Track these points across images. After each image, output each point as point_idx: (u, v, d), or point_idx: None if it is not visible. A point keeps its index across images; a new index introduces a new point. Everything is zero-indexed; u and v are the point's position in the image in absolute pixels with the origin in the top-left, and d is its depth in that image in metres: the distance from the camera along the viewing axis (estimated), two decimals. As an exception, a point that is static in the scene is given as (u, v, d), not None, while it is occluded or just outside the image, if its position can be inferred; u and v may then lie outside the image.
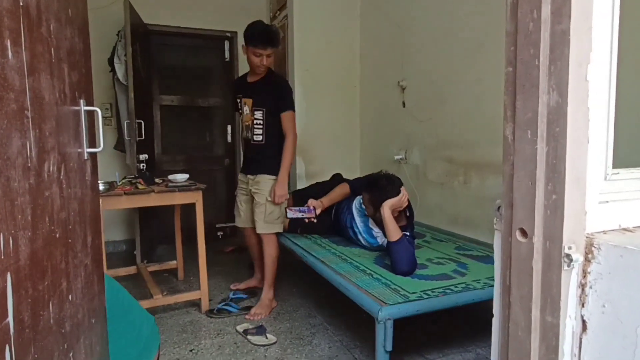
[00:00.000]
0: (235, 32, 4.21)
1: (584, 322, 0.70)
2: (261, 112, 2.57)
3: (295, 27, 3.58)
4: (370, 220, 2.44)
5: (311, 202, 2.65)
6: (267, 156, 2.60)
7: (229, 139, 4.44)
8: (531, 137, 0.70)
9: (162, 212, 3.66)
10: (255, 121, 2.59)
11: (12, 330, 0.72)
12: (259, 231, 2.63)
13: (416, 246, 2.42)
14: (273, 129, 2.57)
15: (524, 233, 0.73)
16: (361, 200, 2.51)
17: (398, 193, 2.22)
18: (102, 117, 4.02)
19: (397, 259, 2.00)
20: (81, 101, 1.26)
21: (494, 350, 0.87)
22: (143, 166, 3.31)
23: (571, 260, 0.67)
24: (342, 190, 2.72)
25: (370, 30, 3.66)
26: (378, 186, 2.27)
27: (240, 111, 2.68)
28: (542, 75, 0.68)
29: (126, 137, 3.39)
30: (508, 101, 0.75)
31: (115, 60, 3.42)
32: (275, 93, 2.54)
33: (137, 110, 3.22)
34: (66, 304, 1.06)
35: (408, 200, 2.28)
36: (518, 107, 0.72)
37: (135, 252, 3.41)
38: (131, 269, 3.13)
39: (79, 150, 1.23)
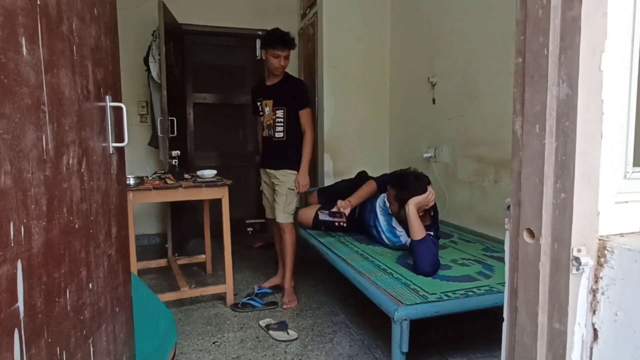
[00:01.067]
0: (266, 31, 4.24)
1: (595, 330, 0.65)
2: (282, 110, 2.73)
3: (325, 24, 3.57)
4: (394, 219, 2.39)
5: (340, 204, 2.62)
6: (288, 152, 2.74)
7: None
8: (539, 132, 0.66)
9: (194, 207, 3.76)
10: (277, 120, 2.74)
11: (22, 314, 0.75)
12: (278, 220, 2.76)
13: (441, 246, 2.35)
14: (293, 127, 2.73)
15: (531, 234, 0.69)
16: (385, 199, 2.47)
17: (425, 191, 2.17)
18: (139, 114, 4.15)
19: (419, 259, 1.95)
20: (107, 97, 1.30)
21: (502, 357, 0.84)
22: (175, 162, 3.40)
23: (580, 263, 0.62)
24: (369, 188, 2.68)
25: (400, 26, 3.60)
26: (405, 183, 2.23)
27: (261, 113, 2.83)
28: (551, 65, 0.64)
29: (159, 134, 3.50)
30: (517, 94, 0.71)
31: (150, 59, 3.53)
32: (293, 92, 2.72)
33: (169, 108, 3.31)
34: (85, 292, 1.11)
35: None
36: (526, 99, 0.68)
37: (166, 246, 3.51)
38: (162, 262, 3.23)
39: (104, 144, 1.28)
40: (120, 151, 1.41)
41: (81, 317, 1.06)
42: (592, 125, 0.62)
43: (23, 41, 0.78)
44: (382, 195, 2.53)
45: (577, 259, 0.63)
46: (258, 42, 4.34)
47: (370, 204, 2.61)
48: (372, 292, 1.70)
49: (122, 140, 1.37)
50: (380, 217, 2.48)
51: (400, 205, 2.24)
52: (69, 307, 0.98)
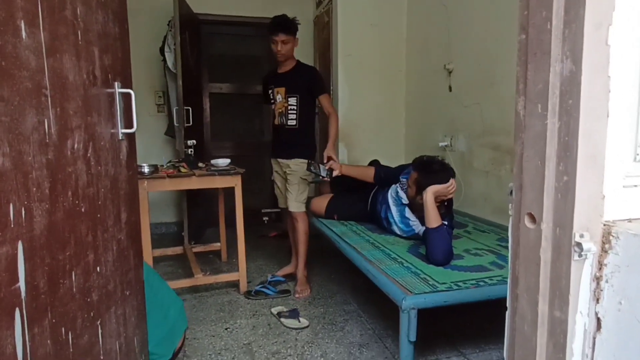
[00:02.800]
0: (280, 19, 4.22)
1: (598, 319, 0.63)
2: (295, 98, 2.71)
3: (340, 11, 3.52)
4: (407, 209, 2.35)
5: (333, 164, 2.60)
6: (301, 141, 2.74)
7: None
8: (541, 112, 0.63)
9: (210, 195, 3.80)
10: (289, 107, 2.72)
11: (23, 294, 0.77)
12: (290, 209, 2.76)
13: (455, 236, 2.31)
14: (305, 114, 2.72)
15: (532, 219, 0.66)
16: (397, 189, 2.44)
17: (447, 181, 2.13)
18: (156, 104, 4.19)
19: (433, 247, 1.92)
20: (116, 83, 1.31)
21: (505, 346, 0.81)
22: (191, 151, 3.44)
23: (582, 249, 0.59)
24: (366, 170, 2.68)
25: (416, 12, 3.52)
26: (430, 169, 2.18)
27: (273, 101, 2.81)
28: (554, 40, 0.60)
29: (175, 124, 3.53)
30: (520, 73, 0.68)
31: (166, 49, 3.56)
32: (307, 80, 2.69)
33: (185, 98, 3.33)
34: (93, 275, 1.13)
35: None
36: (529, 78, 0.65)
37: (183, 234, 3.56)
38: (178, 249, 3.28)
39: (113, 130, 1.29)
40: (130, 137, 1.43)
41: (88, 299, 1.08)
42: (597, 103, 0.59)
43: (22, 24, 0.78)
44: (395, 185, 2.49)
45: (579, 244, 0.60)
46: (274, 31, 4.32)
47: (381, 196, 2.58)
48: (380, 281, 1.69)
49: (131, 127, 1.38)
50: (393, 208, 2.45)
51: (417, 191, 2.20)
52: (74, 289, 0.99)
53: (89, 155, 1.09)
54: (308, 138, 2.75)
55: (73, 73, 1.01)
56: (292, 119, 2.72)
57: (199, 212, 3.89)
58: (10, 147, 0.74)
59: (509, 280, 0.77)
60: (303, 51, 4.29)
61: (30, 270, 0.80)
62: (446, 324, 2.22)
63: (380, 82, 3.70)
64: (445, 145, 3.09)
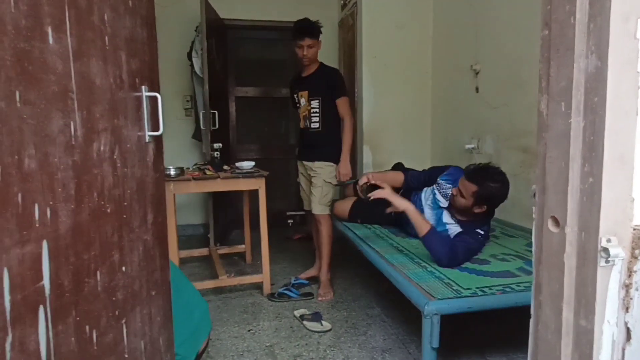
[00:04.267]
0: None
1: (627, 329, 0.59)
2: (317, 100, 2.73)
3: (364, 12, 3.51)
4: (445, 214, 2.26)
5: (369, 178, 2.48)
6: (324, 143, 2.74)
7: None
8: (565, 110, 0.60)
9: (236, 198, 3.85)
10: (312, 110, 2.75)
11: (47, 292, 0.80)
12: (314, 212, 2.77)
13: (482, 241, 2.25)
14: (329, 117, 2.73)
15: (556, 222, 0.63)
16: (435, 192, 2.35)
17: (505, 198, 2.09)
18: (184, 108, 4.29)
19: (433, 254, 1.90)
20: (143, 87, 1.35)
21: (529, 354, 0.78)
22: (217, 154, 3.49)
23: (609, 255, 0.56)
24: (395, 176, 2.61)
25: (443, 12, 3.46)
26: (493, 191, 2.03)
27: (298, 105, 2.85)
28: (578, 35, 0.58)
29: (202, 127, 3.60)
30: (543, 70, 0.65)
31: (193, 54, 3.64)
32: (328, 82, 2.70)
33: (211, 102, 3.40)
34: (118, 275, 1.15)
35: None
36: (552, 75, 0.62)
37: (208, 235, 3.62)
38: (204, 251, 3.34)
39: (139, 133, 1.32)
40: (157, 140, 1.46)
41: (113, 299, 1.10)
42: (624, 100, 0.55)
43: (49, 30, 0.81)
44: (430, 188, 2.42)
45: (605, 249, 0.57)
46: (299, 35, 4.35)
47: (411, 199, 2.52)
48: (403, 285, 1.66)
49: (157, 129, 1.41)
50: (427, 211, 2.35)
51: (475, 204, 2.07)
52: (99, 288, 1.02)
53: (115, 157, 1.12)
54: (332, 140, 2.75)
55: (100, 77, 1.04)
56: (315, 122, 2.74)
57: (225, 215, 3.95)
58: (36, 149, 0.77)
59: (533, 286, 0.74)
60: (328, 54, 4.30)
61: (55, 269, 0.82)
62: (473, 330, 2.16)
63: (405, 83, 3.66)
64: (472, 148, 3.02)
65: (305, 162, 2.84)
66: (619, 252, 0.56)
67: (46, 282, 0.79)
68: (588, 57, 0.57)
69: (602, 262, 0.57)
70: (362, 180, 2.47)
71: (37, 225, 0.76)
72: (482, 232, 2.03)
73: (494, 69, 2.79)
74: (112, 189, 1.09)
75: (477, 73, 2.95)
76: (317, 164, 2.74)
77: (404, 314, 2.37)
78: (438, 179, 2.38)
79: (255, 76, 4.44)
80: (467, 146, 3.04)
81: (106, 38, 1.07)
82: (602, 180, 0.56)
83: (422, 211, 2.38)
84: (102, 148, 1.04)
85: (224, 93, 4.12)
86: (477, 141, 2.99)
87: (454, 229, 2.16)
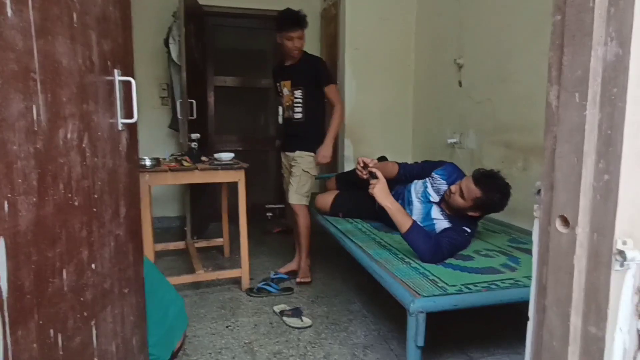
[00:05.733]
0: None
1: None
2: (300, 90, 2.68)
3: (347, 3, 3.44)
4: (434, 209, 2.21)
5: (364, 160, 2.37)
6: (307, 134, 2.70)
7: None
8: (579, 101, 0.56)
9: (214, 190, 3.75)
10: (295, 100, 2.70)
11: (4, 295, 0.71)
12: (290, 201, 2.75)
13: (464, 236, 2.24)
14: (312, 107, 2.69)
15: (565, 222, 0.59)
16: (427, 186, 2.30)
17: (503, 207, 2.07)
18: (160, 97, 4.13)
19: (416, 250, 1.88)
20: (115, 71, 1.25)
21: (527, 359, 0.74)
22: (195, 145, 3.38)
23: (624, 258, 0.53)
24: (390, 167, 2.53)
25: (427, 5, 3.43)
26: (495, 202, 1.99)
27: (280, 94, 2.80)
28: (597, 20, 0.53)
29: (179, 117, 3.48)
30: (554, 58, 0.61)
31: (170, 40, 3.50)
32: (312, 71, 2.65)
33: (189, 90, 3.28)
34: (87, 273, 1.07)
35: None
36: (565, 63, 0.58)
37: (185, 228, 3.51)
38: (180, 244, 3.24)
39: (112, 120, 1.23)
40: (131, 128, 1.36)
41: (81, 299, 1.02)
42: (647, 92, 0.51)
43: (7, 1, 0.72)
44: (421, 181, 2.36)
45: (621, 252, 0.53)
46: (280, 24, 4.24)
47: (399, 192, 2.48)
48: (387, 282, 1.62)
49: (131, 117, 1.32)
50: (416, 205, 2.31)
51: (473, 208, 2.03)
52: (65, 288, 0.94)
53: (84, 145, 1.03)
54: (314, 131, 2.71)
55: (67, 57, 0.94)
56: (298, 112, 2.69)
57: (202, 207, 3.84)
58: (-9, 134, 0.68)
59: (532, 289, 0.71)
60: (310, 45, 4.20)
61: (14, 268, 0.74)
62: (455, 326, 2.15)
63: (388, 76, 3.62)
64: (454, 142, 3.01)
65: (287, 153, 2.80)
66: (636, 255, 0.53)
67: (3, 283, 0.71)
68: (607, 44, 0.53)
69: (616, 266, 0.54)
70: (364, 162, 2.38)
71: (-8, 220, 0.68)
72: (468, 230, 2.01)
73: (478, 63, 2.78)
74: (80, 180, 1.01)
75: (460, 67, 2.93)
76: (298, 153, 2.71)
77: (385, 309, 2.35)
78: (433, 173, 2.34)
79: (234, 65, 4.32)
80: (449, 140, 3.03)
81: (74, 15, 0.98)
82: (619, 177, 0.52)
83: (410, 203, 2.35)
84: (69, 135, 0.95)
85: (202, 82, 3.99)
86: (459, 136, 2.98)
87: (441, 224, 2.14)
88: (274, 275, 2.79)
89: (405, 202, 2.38)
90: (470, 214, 2.06)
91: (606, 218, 0.54)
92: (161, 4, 3.75)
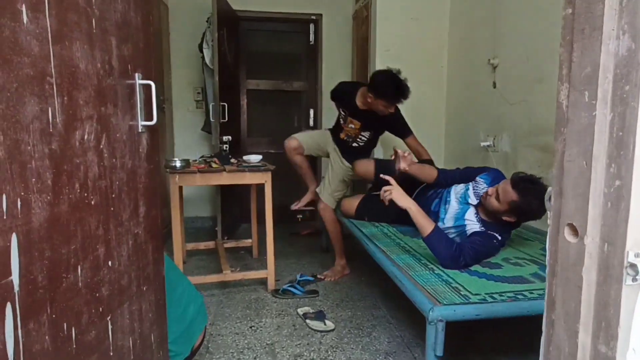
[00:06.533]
0: (320, 15, 4.15)
1: (656, 359, 0.50)
2: (368, 132, 2.86)
3: (379, 4, 3.40)
4: (472, 211, 2.13)
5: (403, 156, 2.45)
6: (361, 153, 2.93)
7: (311, 122, 4.44)
8: (589, 101, 0.52)
9: (244, 191, 3.80)
10: (360, 137, 2.89)
11: (16, 288, 0.74)
12: (320, 196, 2.96)
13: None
14: (372, 140, 2.94)
15: (574, 231, 0.55)
16: (469, 189, 2.23)
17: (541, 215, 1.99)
18: (195, 100, 4.26)
19: (437, 256, 1.84)
20: (136, 75, 1.29)
21: (538, 377, 0.70)
22: (226, 147, 3.44)
23: (637, 272, 0.48)
24: (429, 170, 2.45)
25: (460, 4, 3.33)
26: (532, 208, 1.90)
27: (342, 121, 2.90)
28: (608, 12, 0.49)
29: (211, 119, 3.56)
30: (564, 55, 0.56)
31: (204, 45, 3.59)
32: (389, 123, 2.80)
33: (221, 94, 3.35)
34: (104, 270, 1.10)
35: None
36: (574, 60, 0.53)
37: (216, 229, 3.59)
38: (210, 244, 3.31)
39: (132, 122, 1.26)
40: (152, 130, 1.40)
41: (97, 294, 1.05)
42: (662, 89, 0.47)
43: (23, 9, 0.76)
44: (463, 184, 2.29)
45: (633, 265, 0.48)
46: (312, 27, 4.26)
47: (433, 193, 2.41)
48: (407, 288, 1.57)
49: (151, 119, 1.35)
50: (453, 204, 2.24)
51: (508, 212, 1.95)
52: (80, 284, 0.97)
53: (101, 146, 1.06)
54: (366, 154, 2.97)
55: (85, 62, 0.98)
56: (359, 143, 2.90)
57: (233, 208, 3.90)
58: (4, 135, 0.71)
59: (545, 302, 0.66)
60: (341, 48, 4.22)
61: (26, 263, 0.77)
62: (481, 337, 2.07)
63: (419, 78, 3.52)
64: (488, 146, 2.90)
65: (338, 151, 2.98)
66: (649, 269, 0.48)
67: (15, 277, 0.74)
68: (619, 38, 0.48)
69: (628, 280, 0.49)
70: (401, 164, 2.41)
71: (5, 217, 0.71)
72: (499, 238, 1.93)
73: (512, 63, 2.67)
74: (97, 180, 1.04)
75: (495, 67, 2.82)
76: (346, 163, 2.90)
77: (411, 315, 2.29)
78: (477, 177, 2.26)
79: (266, 69, 4.37)
80: (483, 144, 2.93)
81: (93, 21, 1.01)
82: (631, 183, 0.48)
83: (447, 202, 2.27)
84: (86, 136, 0.98)
85: (235, 85, 4.07)
86: (493, 139, 2.87)
87: (472, 226, 2.07)
88: (300, 277, 2.79)
89: (442, 200, 2.31)
90: (505, 218, 1.97)
91: (617, 227, 0.50)
92: (196, 11, 3.87)
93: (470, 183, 2.26)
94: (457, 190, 2.29)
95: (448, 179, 2.39)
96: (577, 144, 0.53)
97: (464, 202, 2.21)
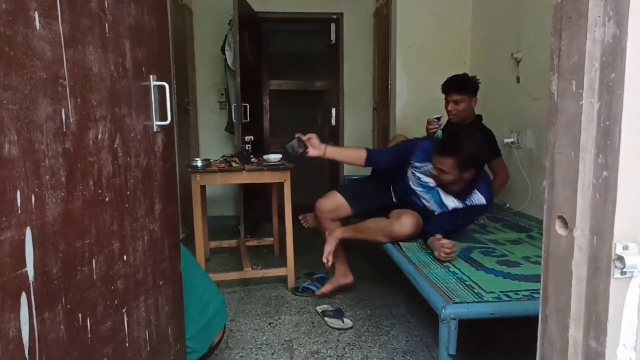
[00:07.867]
0: (341, 14, 4.15)
1: (648, 356, 0.49)
2: None
3: (399, 1, 3.37)
4: (440, 192, 2.15)
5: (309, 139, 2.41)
6: None
7: (333, 122, 4.45)
8: (576, 90, 0.50)
9: (268, 190, 3.85)
10: None
11: (31, 279, 0.79)
12: None
13: (515, 241, 2.11)
14: None
15: (564, 223, 0.54)
16: (418, 176, 2.21)
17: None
18: (218, 101, 4.34)
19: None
20: (151, 76, 1.33)
21: (537, 374, 0.68)
22: (248, 147, 3.49)
23: (624, 265, 0.46)
24: (354, 152, 2.43)
25: (483, -2, 3.27)
26: (472, 153, 1.91)
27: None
28: (593, -1, 0.48)
29: (233, 120, 3.62)
30: (554, 44, 0.55)
31: (226, 47, 3.66)
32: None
33: (244, 95, 3.40)
34: (119, 263, 1.15)
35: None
36: (562, 49, 0.52)
37: (239, 227, 3.65)
38: (233, 242, 3.37)
39: (147, 122, 1.31)
40: (167, 130, 1.44)
41: (112, 287, 1.10)
42: (649, 76, 0.45)
43: (36, 15, 0.80)
44: (408, 172, 2.26)
45: (620, 258, 0.47)
46: (333, 27, 4.26)
47: (403, 185, 2.34)
48: (421, 285, 1.56)
49: (165, 119, 1.39)
50: (424, 196, 2.23)
51: (461, 172, 1.94)
52: (95, 276, 1.01)
53: (115, 146, 1.10)
54: None
55: (98, 65, 1.02)
56: None
57: (256, 207, 3.96)
58: (19, 135, 0.75)
59: (540, 297, 0.65)
60: (362, 47, 4.20)
61: (41, 256, 0.81)
62: (499, 336, 2.02)
63: (441, 74, 3.44)
64: (512, 142, 2.83)
65: None
66: (638, 262, 0.46)
67: (30, 269, 0.78)
68: (605, 25, 0.47)
69: (616, 274, 0.48)
70: (311, 151, 2.38)
71: (19, 212, 0.75)
72: (479, 205, 1.99)
73: (536, 57, 2.59)
74: (111, 178, 1.08)
75: (518, 62, 2.75)
76: None
77: (430, 314, 2.25)
78: (412, 162, 2.22)
79: (288, 69, 4.41)
80: (506, 140, 2.85)
81: (106, 25, 1.06)
82: (618, 174, 0.46)
83: (417, 196, 2.26)
84: (99, 136, 1.02)
85: (257, 86, 4.12)
86: (517, 135, 2.80)
87: (453, 205, 2.13)
88: (317, 275, 2.81)
89: (415, 195, 2.28)
90: (466, 176, 1.97)
91: (605, 219, 0.48)
92: (219, 14, 3.94)
93: (413, 170, 2.24)
94: (413, 181, 2.26)
95: (381, 159, 2.35)
96: (565, 135, 0.52)
97: (428, 188, 2.20)
